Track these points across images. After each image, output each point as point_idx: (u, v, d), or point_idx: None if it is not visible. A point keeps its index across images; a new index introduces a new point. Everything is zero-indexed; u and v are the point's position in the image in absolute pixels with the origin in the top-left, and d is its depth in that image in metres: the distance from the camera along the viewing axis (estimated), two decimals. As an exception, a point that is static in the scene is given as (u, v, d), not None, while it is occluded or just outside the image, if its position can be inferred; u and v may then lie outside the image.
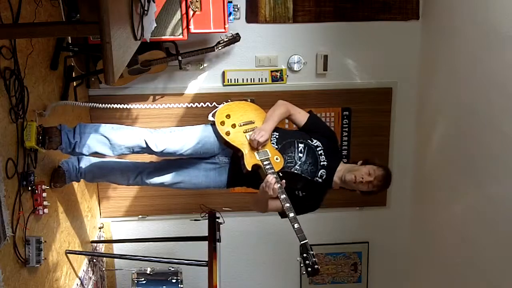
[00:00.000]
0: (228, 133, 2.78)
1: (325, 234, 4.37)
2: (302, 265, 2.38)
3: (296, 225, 2.46)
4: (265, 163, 2.66)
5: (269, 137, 2.75)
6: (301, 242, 2.41)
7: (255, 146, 2.69)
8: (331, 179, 2.83)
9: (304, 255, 2.38)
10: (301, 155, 2.79)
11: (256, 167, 2.70)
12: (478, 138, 3.25)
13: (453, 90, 3.57)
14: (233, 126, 2.81)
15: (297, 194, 2.83)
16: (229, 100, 2.93)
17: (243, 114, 2.86)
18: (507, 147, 2.93)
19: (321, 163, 2.80)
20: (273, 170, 2.62)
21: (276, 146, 2.78)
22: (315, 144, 2.83)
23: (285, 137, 2.83)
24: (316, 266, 2.36)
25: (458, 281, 3.59)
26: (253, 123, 2.84)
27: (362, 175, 2.73)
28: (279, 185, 2.55)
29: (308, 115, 2.91)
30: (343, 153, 4.15)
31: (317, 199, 2.89)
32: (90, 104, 3.37)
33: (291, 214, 2.50)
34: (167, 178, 2.92)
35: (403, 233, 4.41)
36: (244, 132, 2.79)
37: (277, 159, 2.71)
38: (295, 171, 2.77)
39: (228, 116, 2.83)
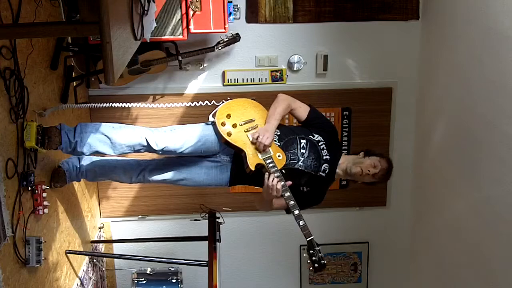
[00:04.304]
0: (229, 134, 2.77)
1: (325, 234, 4.36)
2: (309, 261, 2.43)
3: (301, 222, 2.50)
4: (268, 161, 2.66)
5: (273, 138, 2.74)
6: (308, 239, 2.45)
7: (261, 149, 2.68)
8: (334, 172, 2.86)
9: (311, 251, 2.43)
10: (303, 151, 2.79)
11: (259, 166, 2.70)
12: (478, 138, 3.25)
13: (453, 90, 3.57)
14: (234, 126, 2.79)
15: (302, 189, 2.84)
16: (228, 99, 2.91)
17: (243, 112, 2.84)
18: (507, 147, 2.93)
19: (324, 157, 2.81)
20: (276, 169, 2.62)
21: (279, 144, 2.78)
22: (317, 139, 2.83)
23: (287, 134, 2.83)
24: (322, 262, 2.42)
25: (458, 281, 3.59)
26: (254, 121, 2.82)
27: (368, 168, 2.77)
28: (282, 183, 2.56)
29: (309, 108, 2.90)
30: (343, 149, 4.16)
31: (321, 192, 2.91)
32: (89, 105, 3.38)
33: (296, 212, 2.53)
34: (169, 175, 2.92)
35: (403, 233, 4.41)
36: (245, 132, 2.77)
37: (279, 156, 2.71)
38: (299, 168, 2.78)
39: (228, 116, 2.81)
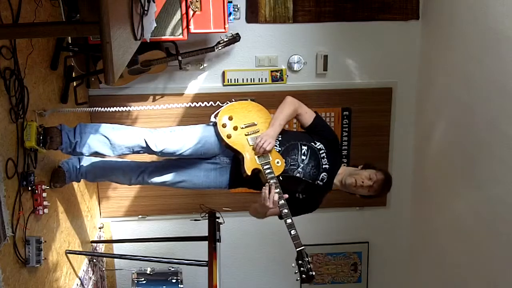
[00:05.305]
0: (229, 136, 2.76)
1: (325, 234, 4.37)
2: (297, 271, 2.42)
3: (293, 232, 2.49)
4: (265, 167, 2.64)
5: (274, 144, 2.72)
6: (297, 249, 2.44)
7: (260, 153, 2.66)
8: (332, 182, 2.83)
9: (300, 262, 2.42)
10: (304, 157, 2.78)
11: (256, 171, 2.69)
12: (478, 138, 3.25)
13: (453, 90, 3.57)
14: (235, 128, 2.78)
15: (297, 196, 2.82)
16: (233, 100, 2.90)
17: (246, 115, 2.82)
18: (506, 147, 2.93)
19: (323, 166, 2.79)
20: (273, 175, 2.61)
21: (279, 149, 2.77)
22: (318, 147, 2.81)
23: (288, 139, 2.81)
24: (310, 273, 2.41)
25: (458, 281, 3.59)
26: (256, 125, 2.80)
27: (363, 179, 2.72)
28: (278, 190, 2.55)
29: (314, 115, 2.87)
30: (343, 153, 4.16)
31: (316, 201, 2.89)
32: (89, 109, 3.37)
33: (289, 221, 2.51)
34: (168, 178, 2.92)
35: (403, 233, 4.41)
36: (246, 135, 2.76)
37: (278, 162, 2.69)
38: (297, 174, 2.76)
39: (230, 118, 2.80)
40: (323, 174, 2.80)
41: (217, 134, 2.80)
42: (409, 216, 4.36)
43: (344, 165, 2.92)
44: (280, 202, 2.55)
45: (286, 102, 2.82)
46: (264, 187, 2.58)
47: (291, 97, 2.86)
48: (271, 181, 2.59)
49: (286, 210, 2.53)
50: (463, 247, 3.50)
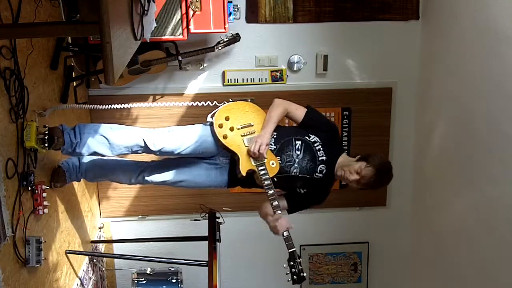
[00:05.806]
0: (225, 137, 2.76)
1: (325, 234, 4.37)
2: (288, 272, 2.46)
3: (285, 233, 2.54)
4: (259, 168, 2.65)
5: (267, 145, 2.71)
6: (289, 250, 2.48)
7: (253, 156, 2.68)
8: (333, 172, 2.81)
9: (291, 263, 2.45)
10: (298, 152, 2.78)
11: (251, 171, 2.70)
12: (478, 138, 3.25)
13: (453, 90, 3.57)
14: (231, 129, 2.78)
15: (299, 191, 2.84)
16: (230, 100, 2.90)
17: (243, 116, 2.82)
18: (507, 147, 2.93)
19: (320, 158, 2.79)
20: (267, 176, 2.63)
21: (275, 147, 2.77)
22: (313, 140, 2.80)
23: (283, 136, 2.82)
24: (302, 274, 2.45)
25: (458, 281, 3.59)
26: (252, 125, 2.80)
27: (350, 172, 2.70)
28: (271, 191, 2.60)
29: (305, 110, 2.88)
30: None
31: (320, 193, 2.89)
32: (89, 106, 3.37)
33: None
34: (169, 177, 2.92)
35: (403, 233, 4.41)
36: (242, 136, 2.76)
37: (272, 164, 2.69)
38: (294, 171, 2.76)
39: (227, 118, 2.80)
40: (321, 166, 2.79)
41: (214, 134, 2.80)
42: (409, 216, 4.36)
43: (345, 153, 2.88)
44: (274, 204, 2.59)
45: (274, 105, 2.83)
46: (270, 222, 2.61)
47: (279, 99, 2.86)
48: (265, 182, 2.61)
49: (279, 212, 2.59)
50: (463, 247, 3.50)
